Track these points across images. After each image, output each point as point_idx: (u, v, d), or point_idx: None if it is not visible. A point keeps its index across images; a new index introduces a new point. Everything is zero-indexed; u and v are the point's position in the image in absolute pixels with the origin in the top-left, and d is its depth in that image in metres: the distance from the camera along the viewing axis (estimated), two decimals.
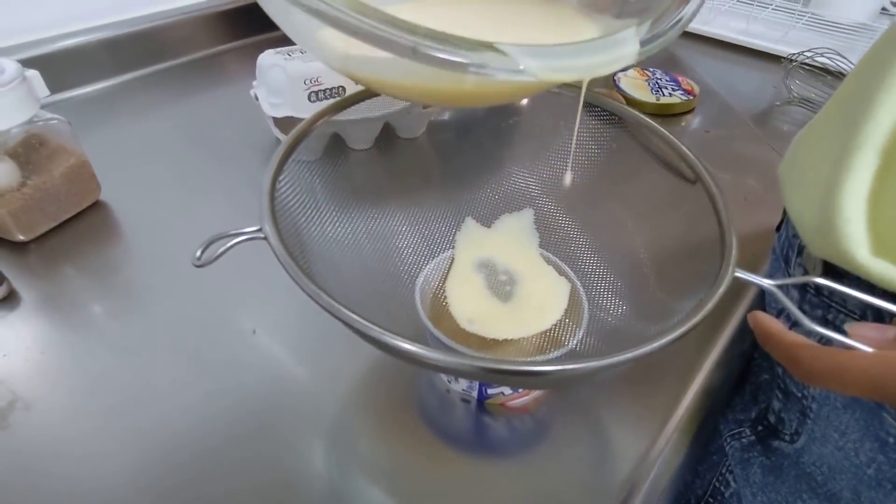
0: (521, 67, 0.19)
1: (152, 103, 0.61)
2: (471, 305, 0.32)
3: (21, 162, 0.41)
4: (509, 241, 0.37)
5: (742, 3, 0.87)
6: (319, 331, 0.37)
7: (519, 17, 0.27)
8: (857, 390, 0.20)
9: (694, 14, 0.24)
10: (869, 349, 0.21)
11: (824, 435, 0.34)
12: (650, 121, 0.33)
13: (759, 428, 0.40)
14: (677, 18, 0.24)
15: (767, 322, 0.23)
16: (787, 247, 0.37)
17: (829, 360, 0.20)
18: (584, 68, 0.21)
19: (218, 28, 0.70)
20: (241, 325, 0.37)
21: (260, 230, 0.24)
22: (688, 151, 0.31)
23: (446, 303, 0.33)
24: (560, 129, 0.37)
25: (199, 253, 0.23)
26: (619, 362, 0.21)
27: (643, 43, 0.23)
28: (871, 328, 0.21)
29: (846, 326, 0.22)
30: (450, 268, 0.35)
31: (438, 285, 0.34)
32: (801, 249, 0.35)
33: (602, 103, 0.34)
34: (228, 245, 0.24)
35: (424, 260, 0.36)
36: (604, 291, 0.34)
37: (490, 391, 0.32)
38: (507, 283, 0.34)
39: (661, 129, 0.32)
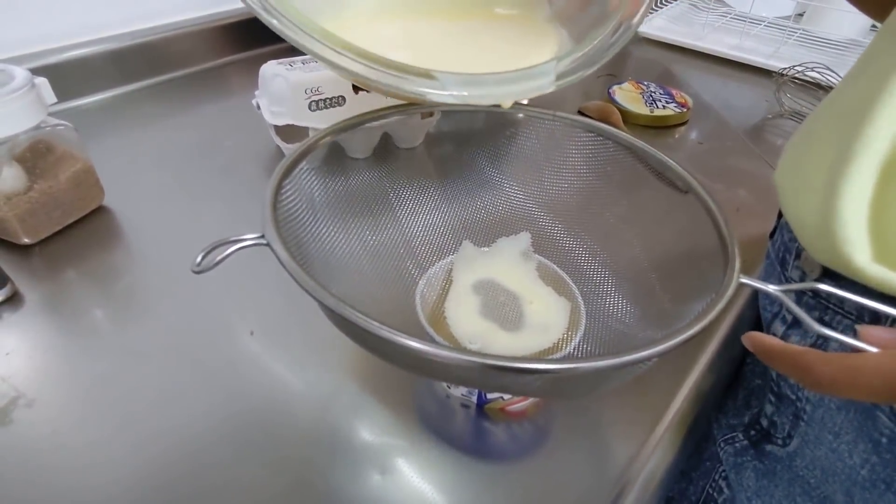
0: (451, 93, 0.25)
1: (157, 113, 0.62)
2: (471, 326, 0.33)
3: (28, 167, 0.41)
4: (507, 264, 0.37)
5: (735, 20, 0.89)
6: (317, 334, 0.37)
7: (482, 33, 0.30)
8: (869, 392, 0.20)
9: (607, 56, 0.29)
10: (876, 351, 0.20)
11: (818, 437, 0.34)
12: (644, 144, 0.33)
13: (752, 432, 0.41)
14: (595, 58, 0.29)
15: (766, 340, 0.23)
16: (783, 251, 0.37)
17: (840, 364, 0.20)
18: (501, 96, 0.27)
19: (222, 40, 0.71)
20: (240, 327, 0.37)
21: (262, 237, 0.24)
22: (681, 169, 0.31)
23: (446, 323, 0.33)
24: (557, 150, 0.38)
25: (199, 259, 0.23)
26: (624, 363, 0.20)
27: (560, 76, 0.28)
28: (882, 329, 0.21)
29: (857, 328, 0.21)
30: (448, 290, 0.35)
31: (437, 305, 0.34)
32: (798, 253, 0.35)
33: (597, 128, 0.35)
34: (229, 251, 0.24)
35: (422, 273, 0.36)
36: (607, 304, 0.34)
37: (489, 396, 0.33)
38: (506, 305, 0.34)
39: (653, 149, 0.33)
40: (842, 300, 0.31)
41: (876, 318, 0.30)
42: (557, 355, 0.30)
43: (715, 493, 0.44)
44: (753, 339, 0.24)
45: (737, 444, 0.42)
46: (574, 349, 0.30)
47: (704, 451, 0.46)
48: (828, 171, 0.28)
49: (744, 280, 0.25)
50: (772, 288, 0.24)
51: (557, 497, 0.30)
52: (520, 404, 0.33)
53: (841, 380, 0.20)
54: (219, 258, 0.23)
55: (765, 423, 0.39)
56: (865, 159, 0.26)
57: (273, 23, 0.23)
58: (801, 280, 0.35)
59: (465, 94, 0.26)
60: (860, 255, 0.27)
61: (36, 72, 0.42)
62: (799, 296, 0.34)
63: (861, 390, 0.20)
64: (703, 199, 0.29)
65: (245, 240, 0.24)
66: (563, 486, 0.30)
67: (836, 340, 0.21)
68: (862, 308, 0.30)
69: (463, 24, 0.31)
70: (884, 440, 0.30)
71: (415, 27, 0.30)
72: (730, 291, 0.24)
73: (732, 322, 0.41)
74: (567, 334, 0.32)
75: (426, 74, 0.26)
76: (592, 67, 0.28)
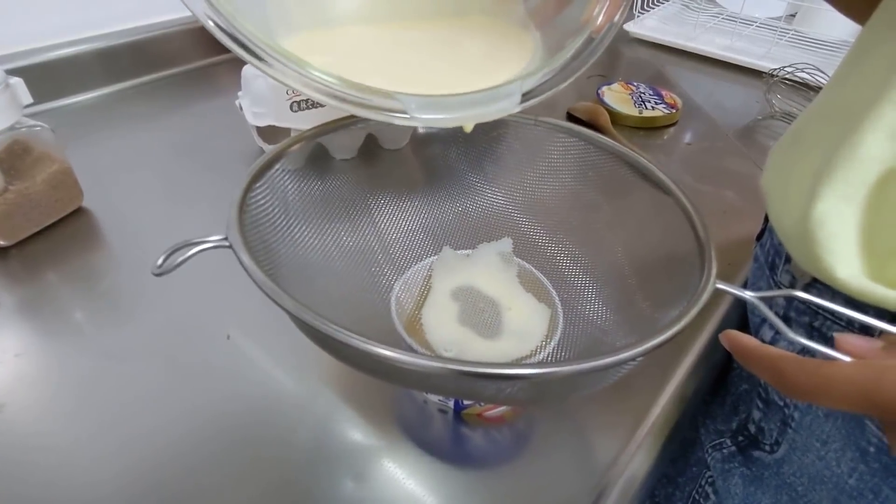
0: (412, 116, 0.25)
1: (141, 113, 0.61)
2: (447, 333, 0.32)
3: (4, 168, 0.41)
4: (488, 269, 0.36)
5: (727, 20, 0.89)
6: (296, 338, 0.36)
7: (450, 40, 0.30)
8: (843, 402, 0.19)
9: (575, 75, 0.28)
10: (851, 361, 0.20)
11: (805, 444, 0.34)
12: (624, 148, 0.33)
13: (740, 438, 0.40)
14: (562, 76, 0.28)
15: (744, 340, 0.23)
16: (772, 254, 0.36)
17: (815, 371, 0.20)
18: (464, 119, 0.26)
19: (207, 41, 0.70)
20: (220, 330, 0.37)
21: (225, 238, 0.24)
22: (661, 174, 0.31)
23: (422, 330, 0.32)
24: (540, 154, 0.37)
25: (160, 261, 0.23)
26: (592, 368, 0.20)
27: (525, 97, 0.27)
28: (859, 338, 0.21)
29: (835, 335, 0.21)
30: (426, 296, 0.35)
31: (414, 312, 0.34)
32: (789, 257, 0.34)
33: (579, 133, 0.35)
34: (191, 253, 0.23)
35: (399, 278, 0.35)
36: (587, 311, 0.34)
37: (466, 401, 0.32)
38: (484, 311, 0.34)
39: (634, 154, 0.32)
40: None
41: (866, 326, 0.29)
42: (531, 362, 0.29)
43: (701, 499, 0.44)
44: (731, 337, 0.23)
45: (724, 450, 0.41)
46: (548, 356, 0.29)
47: (691, 457, 0.45)
48: (813, 178, 0.28)
49: (720, 286, 0.24)
50: (748, 295, 0.24)
51: (536, 501, 0.30)
52: (497, 410, 0.33)
53: (816, 388, 0.20)
54: (180, 259, 0.23)
55: (752, 429, 0.39)
56: (853, 169, 0.26)
57: (224, 39, 0.22)
58: (792, 284, 0.34)
59: (427, 117, 0.25)
60: (844, 266, 0.27)
61: (19, 72, 0.41)
62: (789, 300, 0.33)
63: (835, 400, 0.19)
64: (681, 204, 0.29)
65: (207, 242, 0.24)
66: (543, 490, 0.30)
67: (812, 350, 0.21)
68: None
69: (431, 29, 0.31)
70: (872, 449, 0.30)
71: (378, 35, 0.30)
72: (704, 297, 0.23)
73: (716, 326, 0.40)
74: (544, 341, 0.32)
75: (388, 96, 0.25)
76: (559, 87, 0.28)
